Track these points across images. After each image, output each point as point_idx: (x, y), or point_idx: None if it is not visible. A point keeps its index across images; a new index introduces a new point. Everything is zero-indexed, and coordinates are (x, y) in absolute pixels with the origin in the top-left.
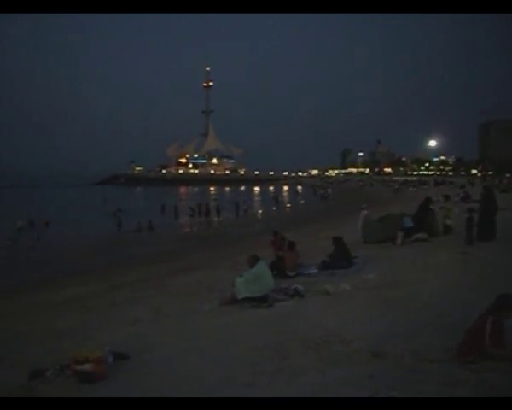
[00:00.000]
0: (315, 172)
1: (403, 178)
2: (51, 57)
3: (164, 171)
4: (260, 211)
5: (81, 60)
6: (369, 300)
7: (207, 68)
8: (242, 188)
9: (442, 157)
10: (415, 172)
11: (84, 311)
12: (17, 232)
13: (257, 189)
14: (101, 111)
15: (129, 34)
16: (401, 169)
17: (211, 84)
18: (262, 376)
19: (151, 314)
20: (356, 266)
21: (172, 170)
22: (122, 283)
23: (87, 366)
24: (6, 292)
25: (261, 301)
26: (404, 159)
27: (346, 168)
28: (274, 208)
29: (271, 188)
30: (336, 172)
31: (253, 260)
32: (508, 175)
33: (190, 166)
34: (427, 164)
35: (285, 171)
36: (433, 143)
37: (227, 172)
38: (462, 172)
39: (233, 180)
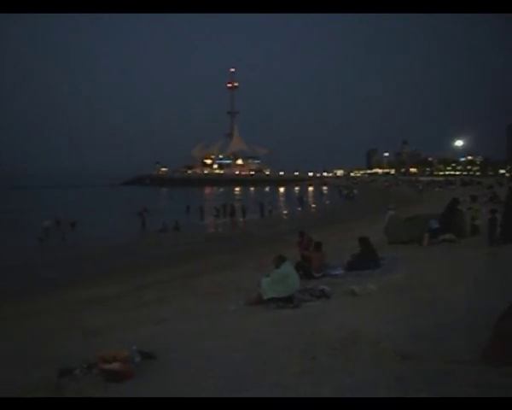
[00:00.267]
0: (340, 172)
1: (429, 179)
2: (77, 59)
3: (189, 171)
4: (285, 212)
5: (105, 62)
6: (396, 301)
7: (232, 69)
8: (267, 188)
9: (469, 157)
10: (441, 173)
11: (111, 310)
12: (44, 232)
13: (282, 189)
14: (127, 112)
15: (154, 35)
16: (427, 169)
17: (236, 84)
18: (289, 376)
19: (177, 314)
20: (382, 267)
21: (197, 171)
22: (149, 283)
23: (115, 365)
24: (35, 291)
25: (287, 301)
26: (430, 159)
27: (371, 169)
28: (299, 209)
29: (296, 188)
30: (362, 172)
31: (279, 261)
32: None
33: (215, 166)
34: (453, 164)
35: (310, 171)
36: (459, 142)
37: (252, 172)
38: (490, 173)
39: (258, 181)
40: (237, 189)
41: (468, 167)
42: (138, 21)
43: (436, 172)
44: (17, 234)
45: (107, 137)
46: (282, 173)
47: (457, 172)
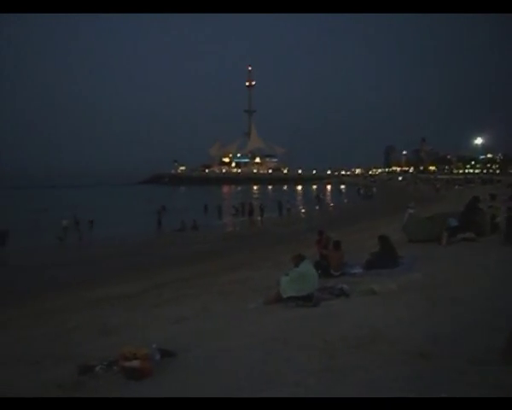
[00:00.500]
0: (358, 171)
1: (447, 177)
2: (97, 56)
3: (207, 170)
4: (303, 210)
5: (125, 61)
6: (416, 300)
7: (249, 68)
8: (285, 187)
9: (489, 155)
10: (460, 171)
11: (130, 308)
12: (63, 231)
13: (300, 188)
14: (144, 111)
15: (172, 34)
16: (446, 167)
17: (253, 83)
18: (309, 375)
19: (196, 312)
20: (402, 265)
21: (215, 169)
22: (168, 281)
23: (135, 363)
24: (55, 290)
25: (306, 300)
26: (448, 157)
27: (389, 167)
28: (317, 207)
29: (314, 187)
30: (380, 170)
31: (298, 259)
32: None
33: (233, 165)
34: (472, 162)
35: (328, 170)
36: (479, 140)
37: (270, 171)
38: (511, 171)
39: (276, 179)
40: (255, 187)
41: (488, 165)
42: (156, 20)
43: (455, 171)
44: (37, 233)
45: (126, 135)
46: (300, 172)
47: (477, 170)
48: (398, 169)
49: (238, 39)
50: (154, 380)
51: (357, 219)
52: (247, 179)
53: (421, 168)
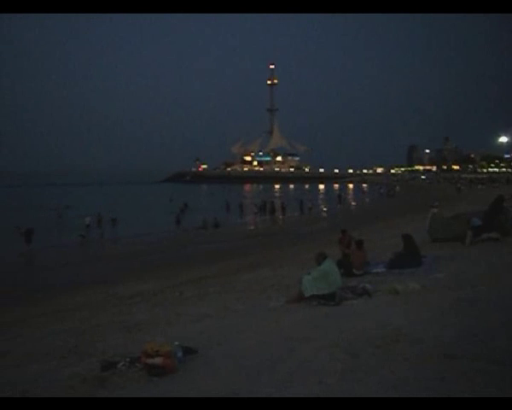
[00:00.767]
0: (380, 169)
1: (471, 176)
2: (121, 56)
3: (229, 169)
4: (325, 209)
5: (147, 58)
6: (440, 300)
7: (272, 66)
8: (307, 186)
9: None
10: (484, 170)
11: (152, 306)
12: (86, 229)
13: (321, 186)
14: (166, 110)
15: (194, 33)
16: (469, 167)
17: (275, 81)
18: (331, 374)
19: (218, 310)
20: (425, 265)
21: (237, 168)
22: (189, 279)
23: (157, 360)
24: (78, 287)
25: (329, 299)
26: (472, 156)
27: (411, 166)
28: (339, 206)
29: (336, 186)
30: (402, 169)
31: (321, 258)
32: None
33: (255, 163)
34: (497, 161)
35: (350, 169)
36: (504, 138)
37: (291, 169)
38: None
39: (297, 178)
40: (277, 186)
41: None
42: (181, 18)
43: (479, 170)
44: (60, 231)
45: (149, 134)
46: (321, 170)
47: (502, 170)
48: (421, 168)
49: (261, 37)
50: (176, 377)
51: (379, 218)
52: (269, 178)
53: (445, 167)
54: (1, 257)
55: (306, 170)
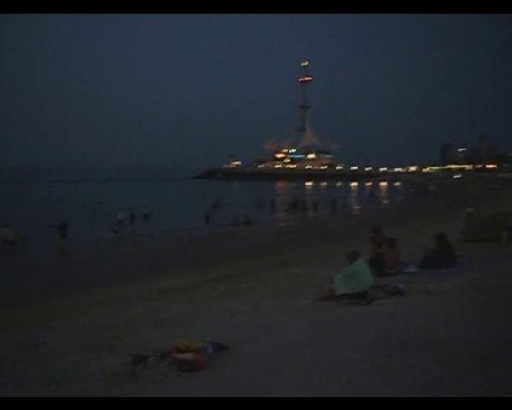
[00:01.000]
0: (413, 168)
1: (507, 175)
2: (146, 51)
3: (261, 166)
4: (357, 207)
5: (183, 54)
6: (473, 301)
7: (305, 63)
8: (339, 183)
9: None
10: None
11: (184, 301)
12: (118, 224)
13: (354, 184)
14: (200, 106)
15: (226, 32)
16: (505, 166)
17: (308, 78)
18: (361, 374)
19: (249, 307)
20: (458, 265)
21: (269, 165)
22: (221, 275)
23: (188, 355)
24: (111, 282)
25: (360, 298)
26: (509, 155)
27: (445, 164)
28: (371, 205)
29: (368, 184)
30: (436, 168)
31: (353, 256)
32: None
33: (287, 161)
34: None
35: (382, 167)
36: None
37: (324, 167)
38: None
39: (330, 176)
40: (309, 183)
41: None
42: (214, 19)
43: None
44: (93, 226)
45: (183, 130)
46: (354, 168)
47: None
48: (455, 167)
49: (294, 35)
50: (206, 373)
51: (412, 217)
52: (301, 175)
53: (480, 166)
54: (37, 252)
55: (339, 168)
